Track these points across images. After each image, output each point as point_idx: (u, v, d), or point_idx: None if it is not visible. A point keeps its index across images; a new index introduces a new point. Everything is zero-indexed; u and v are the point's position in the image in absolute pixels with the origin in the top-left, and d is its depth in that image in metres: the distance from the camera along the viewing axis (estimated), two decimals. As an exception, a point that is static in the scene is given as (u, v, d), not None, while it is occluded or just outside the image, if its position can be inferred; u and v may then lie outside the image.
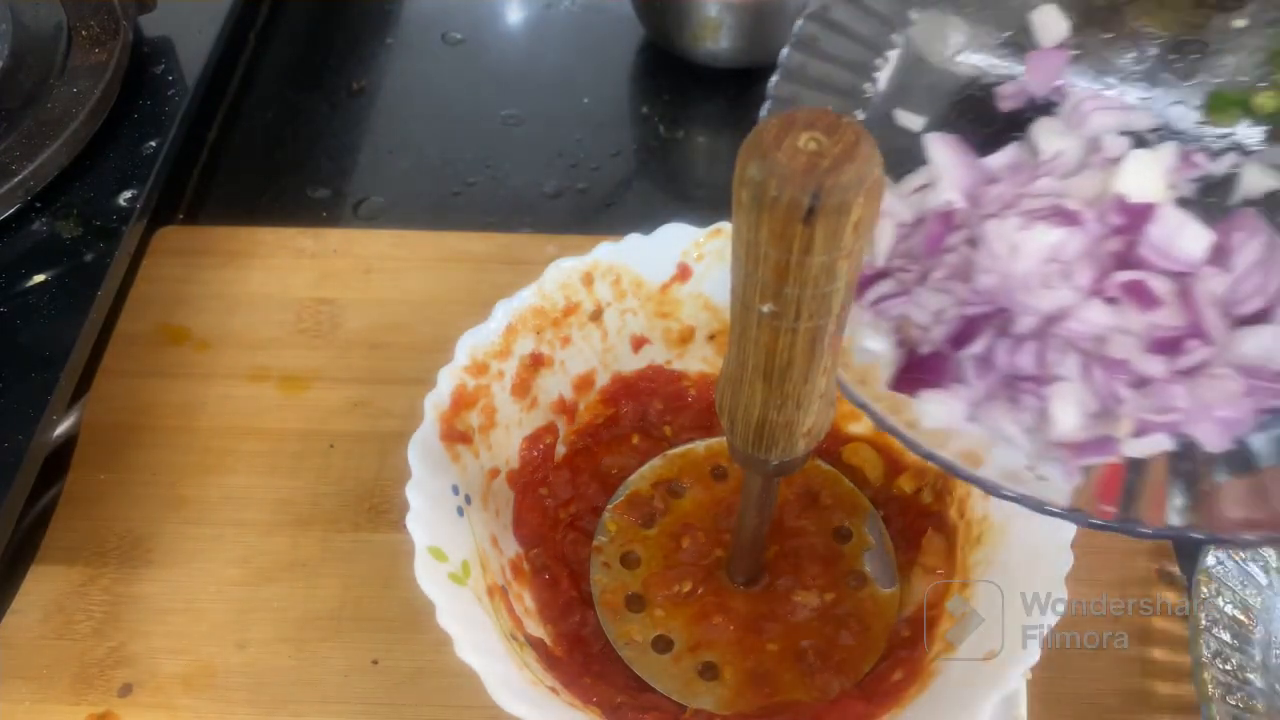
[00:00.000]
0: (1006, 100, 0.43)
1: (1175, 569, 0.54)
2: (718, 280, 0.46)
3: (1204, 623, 0.50)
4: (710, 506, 0.53)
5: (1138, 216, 0.37)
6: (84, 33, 0.68)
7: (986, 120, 0.43)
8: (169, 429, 0.60)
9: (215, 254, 0.68)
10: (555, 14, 0.87)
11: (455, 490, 0.47)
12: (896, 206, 0.41)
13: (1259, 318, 0.36)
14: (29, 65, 0.65)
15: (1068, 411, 0.35)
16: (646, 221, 0.53)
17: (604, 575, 0.51)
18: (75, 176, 0.64)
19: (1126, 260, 0.37)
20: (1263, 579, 0.53)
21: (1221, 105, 0.41)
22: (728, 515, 0.52)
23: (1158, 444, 0.35)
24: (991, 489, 0.35)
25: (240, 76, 0.82)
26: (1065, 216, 0.37)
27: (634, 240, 0.53)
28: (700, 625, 0.49)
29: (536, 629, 0.48)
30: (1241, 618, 0.51)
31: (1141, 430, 0.35)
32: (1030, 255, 0.37)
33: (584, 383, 0.55)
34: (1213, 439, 0.35)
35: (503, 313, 0.51)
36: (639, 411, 0.56)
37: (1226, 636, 0.50)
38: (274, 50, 0.84)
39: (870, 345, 0.39)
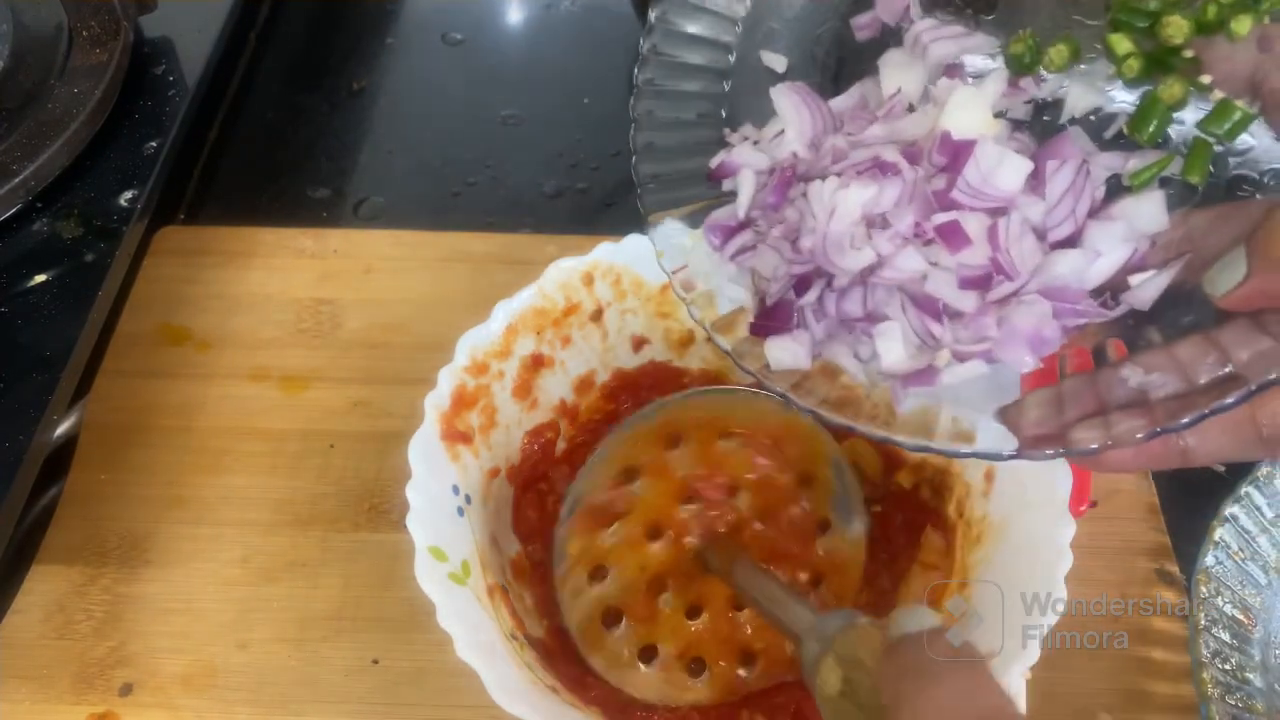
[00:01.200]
0: (862, 30, 0.45)
1: (1175, 569, 0.54)
2: (717, 280, 0.46)
3: (1203, 623, 0.50)
4: (672, 491, 0.51)
5: (959, 154, 0.39)
6: (84, 33, 0.69)
7: (845, 53, 0.45)
8: (169, 429, 0.60)
9: (215, 254, 0.68)
10: (555, 14, 0.87)
11: (455, 490, 0.47)
12: (756, 157, 0.43)
13: (1069, 241, 0.38)
14: (29, 65, 0.65)
15: (892, 347, 0.39)
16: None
17: (576, 603, 0.49)
18: (76, 177, 0.64)
19: (946, 199, 0.39)
20: (1262, 579, 0.53)
21: (1016, 63, 0.42)
22: (691, 490, 0.51)
23: (974, 369, 0.38)
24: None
25: (240, 77, 0.82)
26: (883, 169, 0.40)
27: (634, 240, 0.53)
28: (682, 626, 0.48)
29: (537, 628, 0.48)
30: (1241, 618, 0.51)
31: (959, 358, 0.38)
32: (845, 216, 0.39)
33: (584, 384, 0.55)
34: (1021, 361, 0.37)
35: (503, 313, 0.51)
36: (639, 407, 0.56)
37: (1226, 636, 0.50)
38: (274, 50, 0.84)
39: (731, 295, 0.43)
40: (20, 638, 0.52)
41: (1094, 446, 0.35)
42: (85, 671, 0.51)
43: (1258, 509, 0.54)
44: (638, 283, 0.54)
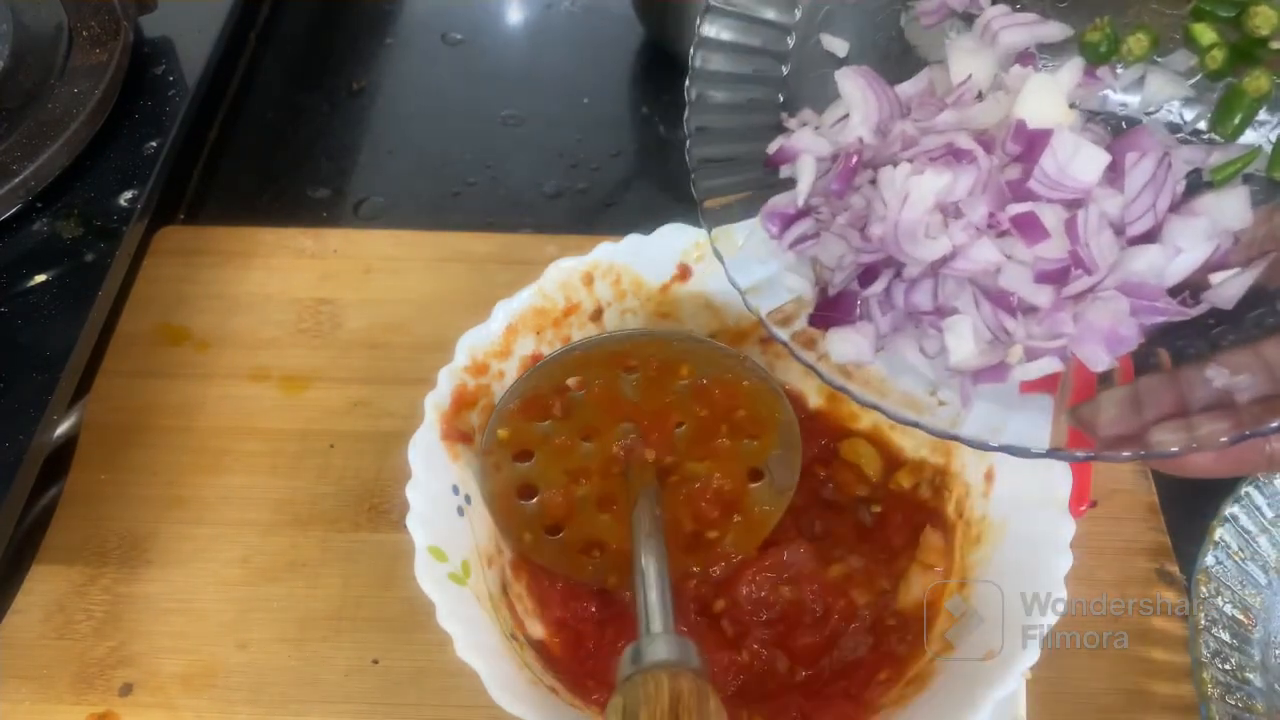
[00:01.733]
0: (927, 17, 0.44)
1: (1175, 569, 0.54)
2: (718, 280, 0.46)
3: (1203, 623, 0.50)
4: (615, 409, 0.50)
5: (1034, 143, 0.37)
6: (84, 33, 0.69)
7: (906, 39, 0.44)
8: (169, 429, 0.60)
9: (215, 254, 0.68)
10: (555, 14, 0.87)
11: (455, 490, 0.47)
12: (816, 143, 0.42)
13: (1148, 237, 0.37)
14: (30, 65, 0.65)
15: (962, 342, 0.38)
16: (646, 221, 0.53)
17: (497, 475, 0.49)
18: (76, 177, 0.64)
19: (1022, 189, 0.37)
20: (1262, 579, 0.53)
21: (1091, 52, 0.41)
22: (633, 412, 0.50)
23: (1047, 367, 0.37)
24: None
25: (240, 77, 0.82)
26: (957, 155, 0.38)
27: (634, 240, 0.53)
28: (592, 515, 0.48)
29: (537, 629, 0.48)
30: (1241, 618, 0.51)
31: (1032, 355, 0.37)
32: (918, 204, 0.38)
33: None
34: (1097, 360, 0.36)
35: (503, 313, 0.51)
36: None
37: (1226, 636, 0.50)
38: (274, 50, 0.84)
39: (791, 285, 0.42)
40: (20, 638, 0.52)
41: (1175, 449, 0.33)
42: (85, 671, 0.51)
43: (1258, 509, 0.54)
44: (638, 283, 0.54)
